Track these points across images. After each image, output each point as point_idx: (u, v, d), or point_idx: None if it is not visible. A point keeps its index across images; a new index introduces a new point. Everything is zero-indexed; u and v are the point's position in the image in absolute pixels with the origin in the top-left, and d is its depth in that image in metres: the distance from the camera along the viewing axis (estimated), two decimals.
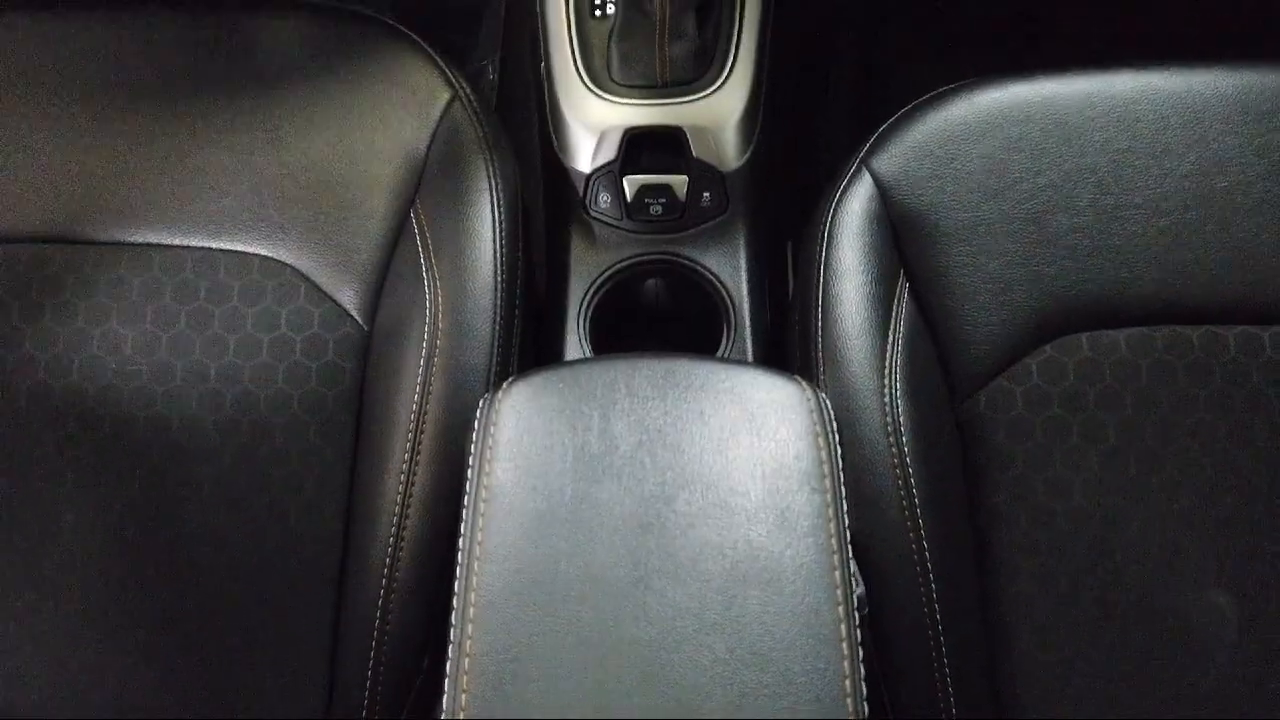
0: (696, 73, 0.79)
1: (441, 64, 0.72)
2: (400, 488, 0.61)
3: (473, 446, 0.50)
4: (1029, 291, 0.65)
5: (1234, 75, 0.68)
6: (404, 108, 0.71)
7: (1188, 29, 1.14)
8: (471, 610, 0.45)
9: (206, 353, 0.67)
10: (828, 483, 0.48)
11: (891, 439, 0.61)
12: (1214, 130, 0.66)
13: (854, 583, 0.47)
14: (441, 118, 0.70)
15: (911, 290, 0.66)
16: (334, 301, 0.68)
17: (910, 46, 1.18)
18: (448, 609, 0.45)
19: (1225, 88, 0.67)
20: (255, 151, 0.70)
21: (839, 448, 0.50)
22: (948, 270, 0.66)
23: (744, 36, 0.79)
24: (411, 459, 0.62)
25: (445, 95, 0.71)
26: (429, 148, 0.70)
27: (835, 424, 0.51)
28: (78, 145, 0.71)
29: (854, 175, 0.68)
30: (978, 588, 0.62)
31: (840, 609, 0.45)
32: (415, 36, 0.74)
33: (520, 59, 1.00)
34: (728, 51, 0.79)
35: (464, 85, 0.72)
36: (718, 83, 0.79)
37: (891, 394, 0.62)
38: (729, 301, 0.81)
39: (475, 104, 0.71)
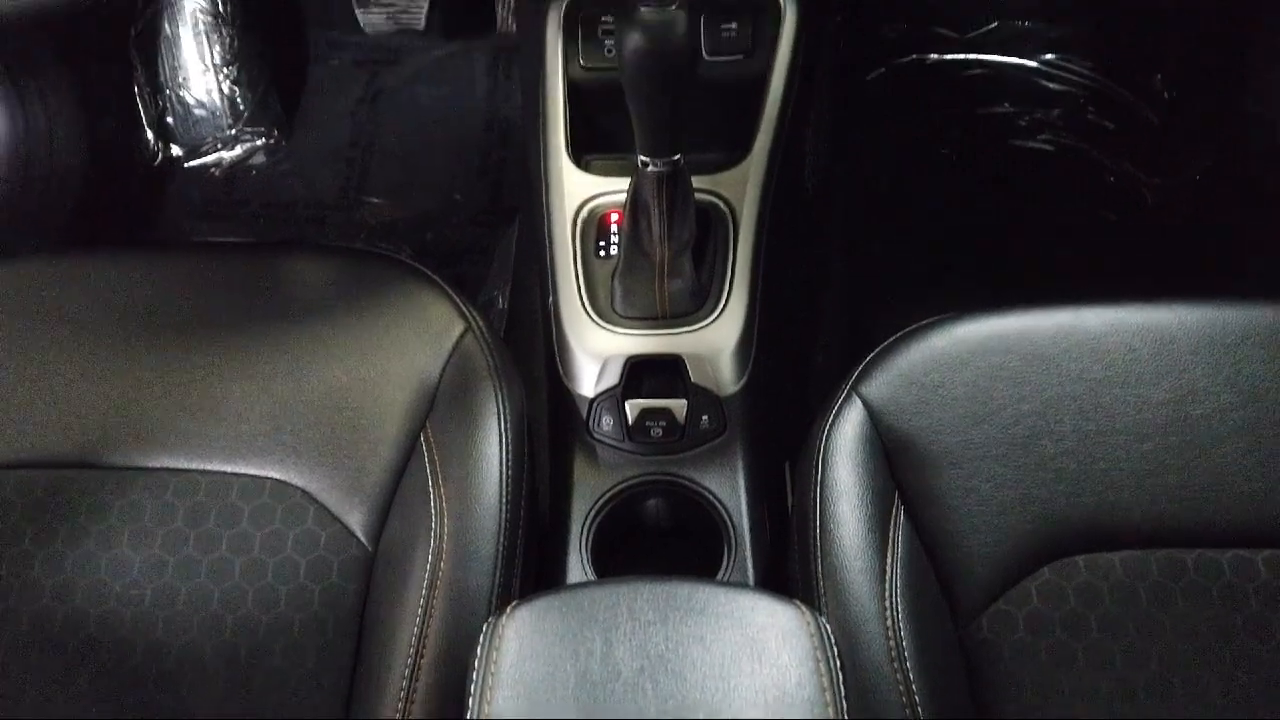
0: (693, 306, 0.84)
1: (456, 299, 0.77)
2: (398, 716, 0.60)
3: (474, 673, 0.50)
4: (1022, 514, 0.66)
5: (1197, 310, 0.72)
6: (419, 339, 0.75)
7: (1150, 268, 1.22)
8: None
9: (212, 576, 0.67)
10: (830, 710, 0.48)
11: (895, 663, 0.60)
12: (1183, 361, 0.70)
13: None
14: (454, 348, 0.74)
15: (907, 512, 0.67)
16: (341, 524, 0.69)
17: (893, 281, 1.26)
18: None
19: (1190, 322, 0.72)
20: (275, 380, 0.74)
21: (841, 673, 0.50)
22: (941, 493, 0.67)
23: (736, 275, 0.85)
24: (410, 685, 0.61)
25: (459, 327, 0.75)
26: (441, 375, 0.73)
27: (836, 649, 0.51)
28: (102, 376, 0.74)
29: (845, 400, 0.71)
30: None
31: None
32: (431, 274, 0.80)
33: (529, 290, 1.07)
34: (722, 287, 0.85)
35: (476, 317, 0.77)
36: (713, 315, 0.84)
37: (894, 616, 0.62)
38: (729, 522, 0.82)
39: (486, 335, 0.76)
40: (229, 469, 0.71)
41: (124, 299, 0.78)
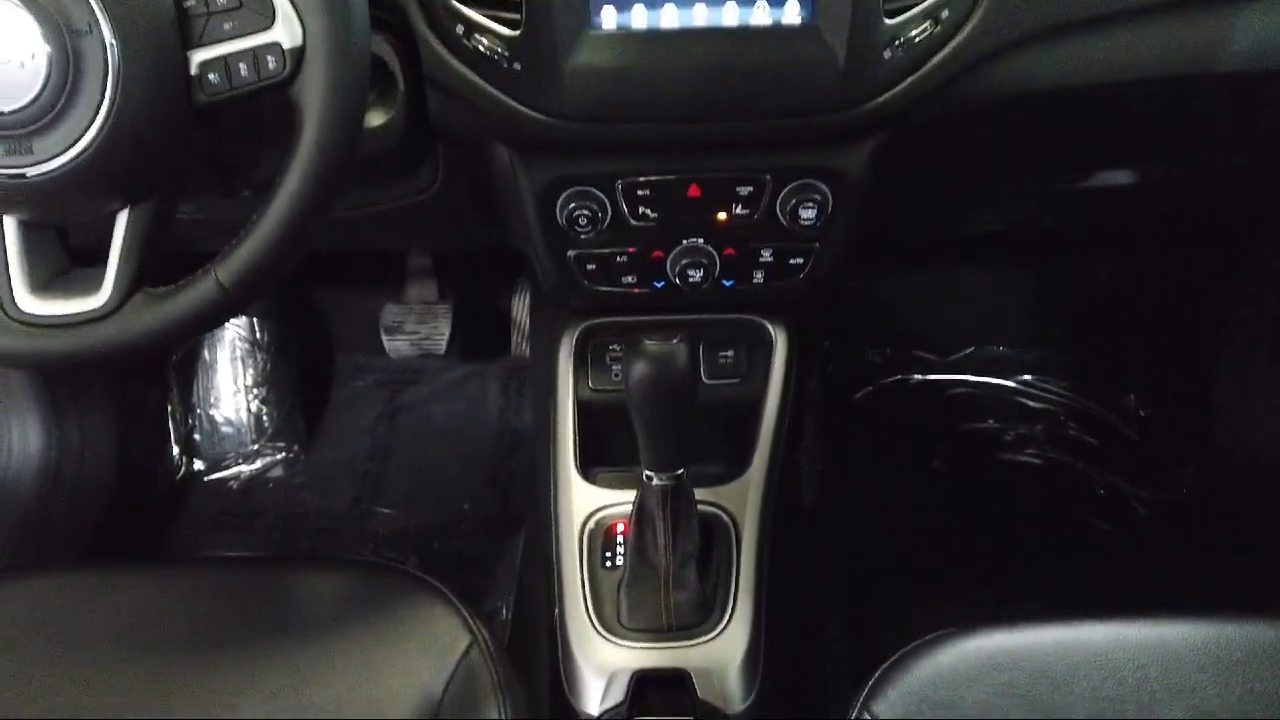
0: (699, 618, 0.84)
1: (464, 611, 0.78)
2: None
3: None
4: None
5: (1199, 626, 0.72)
6: (424, 653, 0.74)
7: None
8: None
9: None
10: None
11: None
12: (1193, 679, 0.69)
13: None
14: (459, 662, 0.74)
15: None
16: None
17: (893, 590, 1.26)
18: None
19: (1194, 639, 0.72)
20: (278, 697, 0.72)
21: None
22: None
23: (741, 586, 0.86)
24: None
25: (465, 641, 0.75)
26: (445, 691, 0.72)
27: None
28: (104, 697, 0.72)
29: None
30: None
31: None
32: (438, 585, 0.80)
33: (533, 599, 1.07)
34: (727, 599, 0.85)
35: (482, 630, 0.77)
36: (719, 627, 0.84)
37: None
38: None
39: (492, 648, 0.75)
40: None
41: (134, 618, 0.78)
